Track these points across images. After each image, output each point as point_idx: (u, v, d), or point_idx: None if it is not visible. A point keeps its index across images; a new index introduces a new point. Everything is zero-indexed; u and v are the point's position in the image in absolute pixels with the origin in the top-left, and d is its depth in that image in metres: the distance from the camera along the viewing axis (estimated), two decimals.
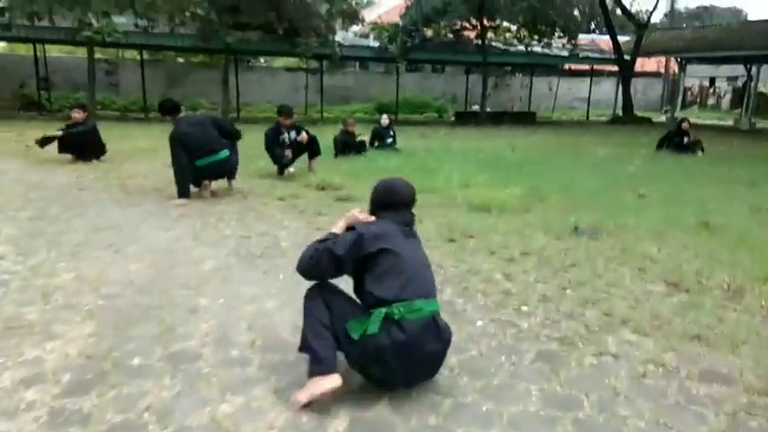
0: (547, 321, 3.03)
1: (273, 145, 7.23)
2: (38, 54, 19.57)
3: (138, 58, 21.56)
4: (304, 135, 7.36)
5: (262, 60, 30.05)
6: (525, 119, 22.44)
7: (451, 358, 2.53)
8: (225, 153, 6.02)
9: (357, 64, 29.46)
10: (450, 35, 20.93)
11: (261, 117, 20.05)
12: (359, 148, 9.48)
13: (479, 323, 3.00)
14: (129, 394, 2.19)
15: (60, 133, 7.87)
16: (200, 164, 5.82)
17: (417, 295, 2.22)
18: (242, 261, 3.89)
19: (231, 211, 5.35)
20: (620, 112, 23.15)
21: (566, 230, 4.80)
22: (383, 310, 2.16)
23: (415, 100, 25.56)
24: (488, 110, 21.70)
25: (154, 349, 2.57)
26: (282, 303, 3.14)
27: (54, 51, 23.60)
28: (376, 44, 20.60)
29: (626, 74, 22.23)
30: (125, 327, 2.78)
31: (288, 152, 7.24)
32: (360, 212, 2.44)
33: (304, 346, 2.24)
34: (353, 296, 2.36)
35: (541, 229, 4.82)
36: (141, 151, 9.42)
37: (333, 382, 2.14)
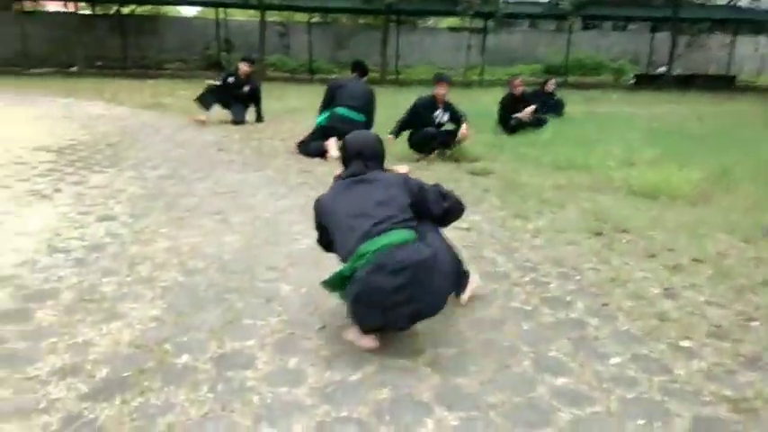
0: (717, 368, 2.16)
1: (419, 123, 5.82)
2: (220, 18, 21.08)
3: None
4: (463, 130, 5.79)
5: (430, 22, 29.43)
6: (721, 83, 19.20)
7: (562, 412, 1.85)
8: (362, 118, 6.08)
9: (526, 22, 27.52)
10: None
11: (418, 80, 19.62)
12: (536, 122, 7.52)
13: (615, 360, 2.22)
14: (154, 406, 1.86)
15: (218, 83, 7.92)
16: (339, 111, 6.09)
17: (357, 244, 2.17)
18: None
19: None
20: None
21: (758, 232, 3.66)
22: (338, 273, 2.21)
23: (589, 61, 23.23)
24: (675, 73, 18.87)
25: (207, 346, 2.24)
26: None
27: (237, 15, 25.40)
28: None
29: None
30: (191, 312, 2.50)
31: (436, 139, 5.87)
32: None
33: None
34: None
35: (723, 229, 3.73)
36: (291, 111, 9.51)
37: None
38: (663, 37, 22.98)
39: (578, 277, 2.99)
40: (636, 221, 3.85)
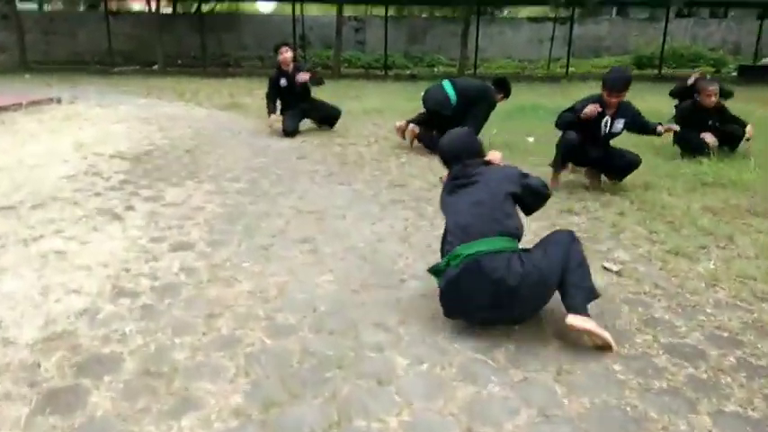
0: None
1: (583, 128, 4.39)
2: (296, 13, 20.82)
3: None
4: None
5: (505, 12, 28.10)
6: None
7: None
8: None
9: (614, 10, 25.68)
10: None
11: (498, 74, 18.56)
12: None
13: None
14: None
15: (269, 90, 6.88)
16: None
17: (457, 244, 2.32)
18: None
19: None
20: None
21: None
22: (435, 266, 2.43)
23: (684, 51, 21.23)
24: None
25: None
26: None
27: (313, 11, 25.16)
28: None
29: None
30: (283, 401, 1.88)
31: None
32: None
33: None
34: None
35: None
36: (371, 112, 8.89)
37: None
38: (763, 24, 20.72)
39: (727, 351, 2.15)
40: None
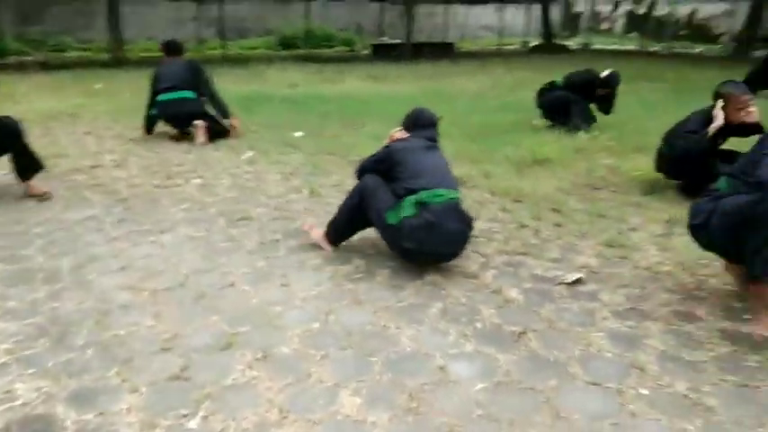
0: None
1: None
2: None
3: None
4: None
5: None
6: (444, 51, 21.22)
7: None
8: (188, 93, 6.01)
9: None
10: None
11: (142, 58, 16.86)
12: None
13: None
14: None
15: None
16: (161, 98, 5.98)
17: (439, 186, 3.03)
18: None
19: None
20: (533, 42, 22.75)
21: None
22: (413, 197, 3.00)
23: (319, 32, 23.19)
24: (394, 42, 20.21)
25: None
26: None
27: None
28: None
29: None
30: None
31: None
32: (397, 132, 3.42)
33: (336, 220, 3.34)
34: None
35: None
36: (58, 117, 7.04)
37: (327, 248, 3.40)
38: (379, 7, 24.40)
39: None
40: None
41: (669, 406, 2.08)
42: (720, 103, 4.03)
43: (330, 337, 2.53)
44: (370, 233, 3.38)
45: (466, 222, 3.08)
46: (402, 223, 2.95)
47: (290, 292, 2.93)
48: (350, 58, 19.58)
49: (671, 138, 4.44)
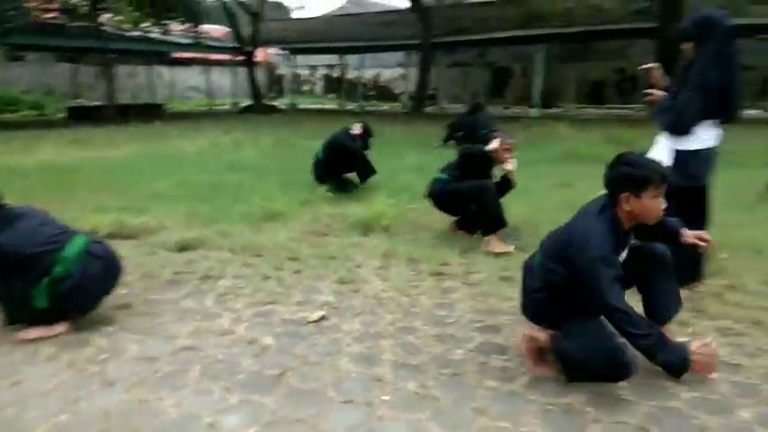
0: None
1: None
2: None
3: None
4: None
5: None
6: (154, 112, 20.58)
7: None
8: None
9: None
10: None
11: None
12: None
13: None
14: None
15: None
16: None
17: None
18: None
19: None
20: (243, 102, 23.65)
21: None
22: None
23: (3, 95, 20.23)
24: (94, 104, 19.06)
25: None
26: None
27: None
28: None
29: (250, 63, 22.80)
30: None
31: None
32: None
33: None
34: None
35: None
36: None
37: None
38: (74, 67, 22.47)
39: None
40: None
41: (406, 404, 2.57)
42: (495, 142, 4.75)
43: (84, 425, 2.39)
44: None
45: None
46: None
47: (23, 391, 2.65)
48: (43, 123, 17.52)
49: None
